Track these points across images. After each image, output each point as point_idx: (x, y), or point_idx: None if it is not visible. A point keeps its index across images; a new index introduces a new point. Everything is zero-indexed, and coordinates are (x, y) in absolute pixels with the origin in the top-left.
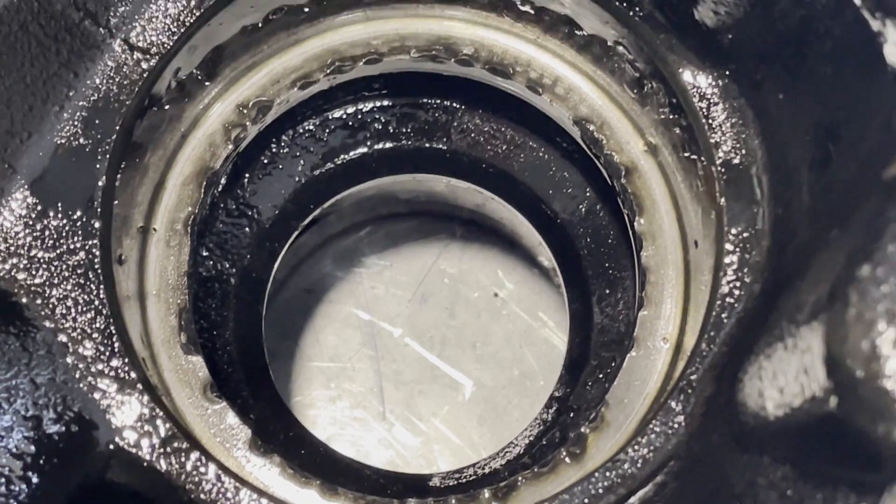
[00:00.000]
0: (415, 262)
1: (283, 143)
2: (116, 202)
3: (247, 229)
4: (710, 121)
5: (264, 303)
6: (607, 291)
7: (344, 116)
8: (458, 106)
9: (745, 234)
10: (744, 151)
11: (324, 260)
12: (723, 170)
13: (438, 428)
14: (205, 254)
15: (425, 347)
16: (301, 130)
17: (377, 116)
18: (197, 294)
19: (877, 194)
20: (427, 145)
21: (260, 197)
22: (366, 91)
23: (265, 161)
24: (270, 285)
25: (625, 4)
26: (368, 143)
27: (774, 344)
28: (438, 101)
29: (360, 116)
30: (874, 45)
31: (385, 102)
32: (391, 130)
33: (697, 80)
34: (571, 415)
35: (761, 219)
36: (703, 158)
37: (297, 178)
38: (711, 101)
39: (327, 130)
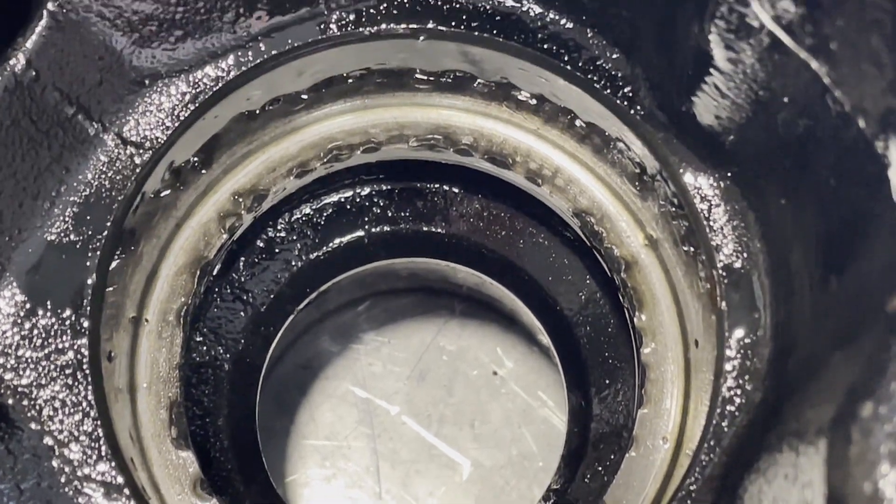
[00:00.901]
0: (413, 338)
1: (279, 227)
2: (110, 290)
3: (241, 314)
4: (711, 223)
5: (258, 390)
6: (607, 381)
7: (341, 200)
8: (457, 191)
9: (747, 340)
10: (745, 255)
11: (321, 335)
12: (724, 273)
13: None
14: (198, 339)
15: (423, 426)
16: (298, 214)
17: (375, 201)
18: (189, 380)
19: (880, 325)
20: (425, 229)
21: (255, 281)
22: (364, 175)
23: (261, 245)
24: (265, 370)
25: (625, 103)
26: (366, 228)
27: (775, 468)
28: (437, 186)
29: (357, 200)
30: (879, 165)
31: (383, 187)
32: (389, 215)
33: (699, 181)
34: None
35: (763, 325)
36: (703, 259)
37: (293, 263)
38: (712, 202)
39: (324, 214)
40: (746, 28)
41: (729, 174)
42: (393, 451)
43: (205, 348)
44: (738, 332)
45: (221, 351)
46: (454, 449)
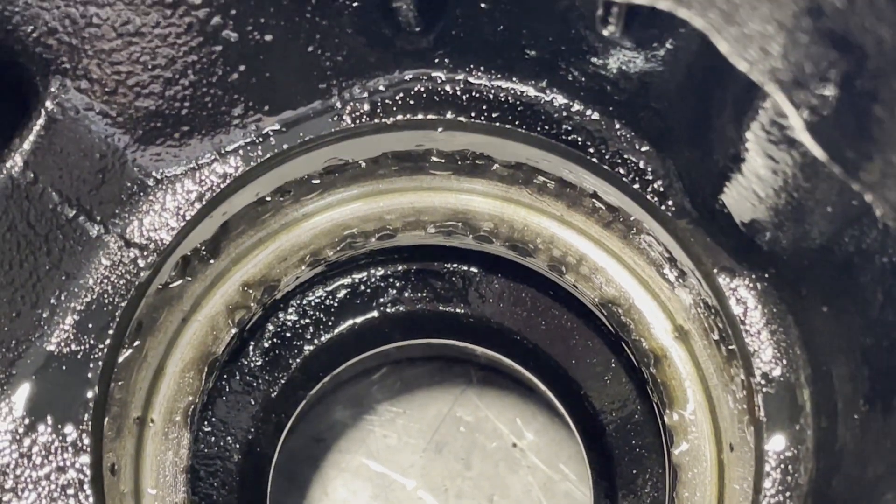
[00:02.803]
0: (429, 408)
1: (290, 311)
2: (118, 384)
3: (251, 402)
4: (748, 327)
5: (269, 478)
6: (634, 472)
7: (355, 282)
8: (475, 272)
9: (788, 454)
10: (785, 362)
11: (334, 406)
12: (762, 381)
13: None
14: (206, 429)
15: (439, 501)
16: (310, 296)
17: (391, 282)
18: (198, 473)
19: None
20: (442, 309)
21: (265, 368)
22: (379, 256)
23: (271, 329)
24: (276, 460)
25: (655, 198)
26: (381, 309)
27: None
28: (455, 267)
29: (372, 281)
30: None
31: (399, 268)
32: (405, 296)
33: (734, 283)
34: None
35: (806, 438)
36: (740, 364)
37: (305, 347)
38: (748, 305)
39: (337, 297)
40: (788, 140)
41: (766, 275)
42: None
43: (213, 439)
44: (778, 444)
45: (231, 441)
46: None
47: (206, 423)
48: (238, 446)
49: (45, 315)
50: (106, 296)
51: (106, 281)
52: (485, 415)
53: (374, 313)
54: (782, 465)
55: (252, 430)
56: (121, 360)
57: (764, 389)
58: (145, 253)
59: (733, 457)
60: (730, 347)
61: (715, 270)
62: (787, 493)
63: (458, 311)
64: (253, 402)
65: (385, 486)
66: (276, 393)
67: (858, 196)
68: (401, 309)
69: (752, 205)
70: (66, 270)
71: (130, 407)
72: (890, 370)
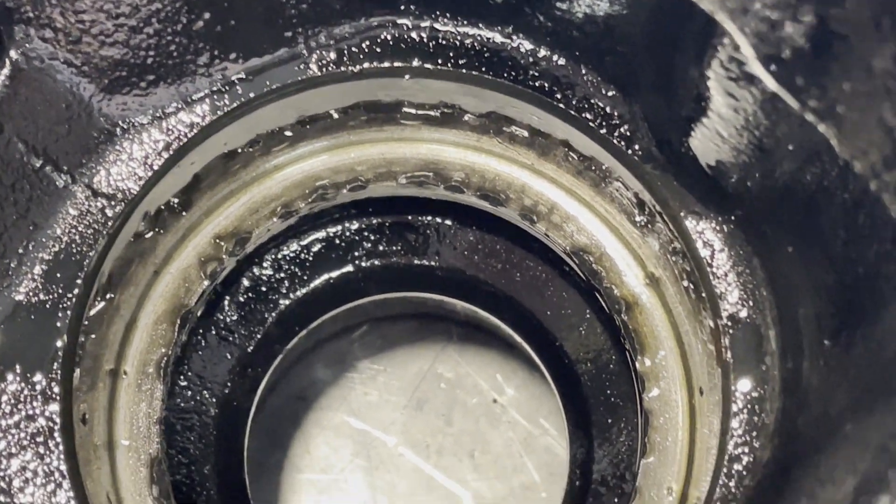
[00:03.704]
0: (410, 366)
1: (264, 266)
2: (86, 340)
3: (227, 356)
4: (715, 269)
5: (246, 433)
6: (609, 421)
7: (329, 236)
8: (449, 224)
9: (754, 395)
10: (751, 303)
11: (315, 364)
12: (729, 323)
13: None
14: (182, 384)
15: (421, 457)
16: (284, 250)
17: (365, 235)
18: (174, 427)
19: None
20: (417, 264)
21: (241, 322)
22: (353, 209)
23: (246, 284)
24: (253, 414)
25: (622, 142)
26: (356, 263)
27: None
28: (429, 220)
29: (346, 235)
30: (892, 228)
31: (372, 221)
32: (379, 249)
33: (700, 225)
34: None
35: (771, 379)
36: (707, 307)
37: (280, 301)
38: (715, 247)
39: (311, 251)
40: (747, 77)
41: (732, 218)
42: (390, 484)
43: (189, 393)
44: (745, 385)
45: (207, 395)
46: (454, 480)
47: (181, 377)
48: (214, 400)
49: (12, 265)
50: (74, 245)
51: (74, 231)
52: (465, 371)
53: (349, 267)
54: (749, 406)
55: (228, 384)
56: (92, 312)
57: (731, 331)
58: (113, 203)
59: (704, 401)
60: (699, 293)
61: (682, 214)
62: (754, 433)
63: (432, 263)
64: (229, 357)
65: (366, 442)
66: (251, 347)
67: (817, 132)
68: (375, 262)
69: (717, 146)
70: (34, 220)
71: (103, 359)
72: (853, 306)
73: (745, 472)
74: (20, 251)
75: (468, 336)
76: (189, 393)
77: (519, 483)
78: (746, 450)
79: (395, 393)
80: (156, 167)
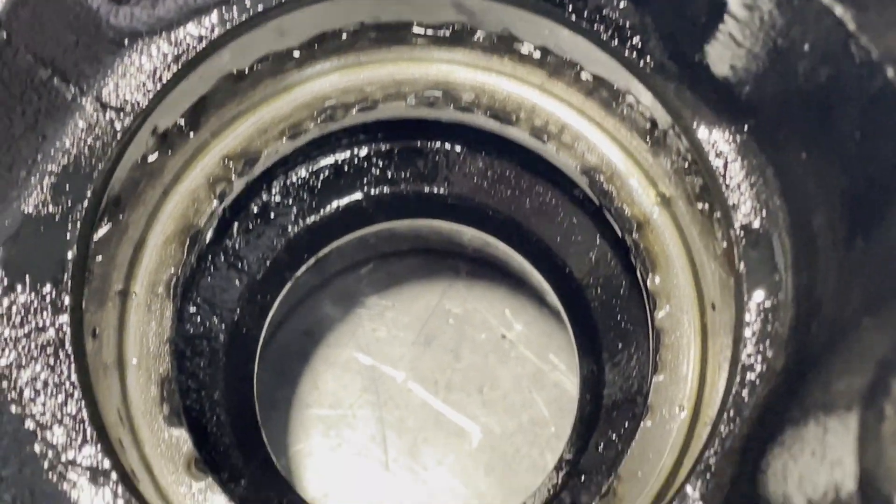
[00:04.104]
0: (418, 302)
1: (273, 192)
2: (96, 261)
3: (236, 282)
4: (728, 180)
5: (256, 360)
6: (620, 346)
7: (338, 162)
8: (459, 149)
9: (767, 304)
10: (764, 213)
11: (323, 301)
12: (742, 233)
13: (444, 478)
14: (192, 310)
15: (430, 392)
16: (293, 177)
17: (374, 161)
18: (183, 353)
19: None
20: (427, 190)
21: (250, 248)
22: (361, 134)
23: (255, 210)
24: (262, 340)
25: (634, 54)
26: (364, 189)
27: (801, 444)
28: (438, 145)
29: (355, 162)
30: None
31: (381, 146)
32: (389, 176)
33: (713, 136)
34: (582, 479)
35: (784, 288)
36: (720, 218)
37: (289, 228)
38: (729, 158)
39: (321, 177)
40: None
41: (745, 127)
42: (399, 419)
43: (199, 319)
44: (758, 296)
45: (216, 321)
46: (463, 416)
47: (191, 303)
48: (224, 326)
49: (21, 176)
50: (83, 158)
51: (82, 143)
52: (473, 307)
53: (358, 194)
54: (762, 316)
55: (238, 310)
56: (101, 232)
57: (744, 242)
58: (122, 115)
59: (716, 318)
60: (712, 207)
61: (694, 125)
62: (767, 342)
63: (441, 190)
64: (238, 283)
65: (375, 378)
66: (260, 274)
67: (835, 23)
68: (384, 189)
69: (731, 52)
70: (43, 132)
71: (112, 279)
72: (867, 209)
73: (757, 381)
74: (29, 163)
75: (476, 272)
76: (199, 319)
77: (528, 418)
78: (759, 359)
79: (404, 329)
80: (164, 80)
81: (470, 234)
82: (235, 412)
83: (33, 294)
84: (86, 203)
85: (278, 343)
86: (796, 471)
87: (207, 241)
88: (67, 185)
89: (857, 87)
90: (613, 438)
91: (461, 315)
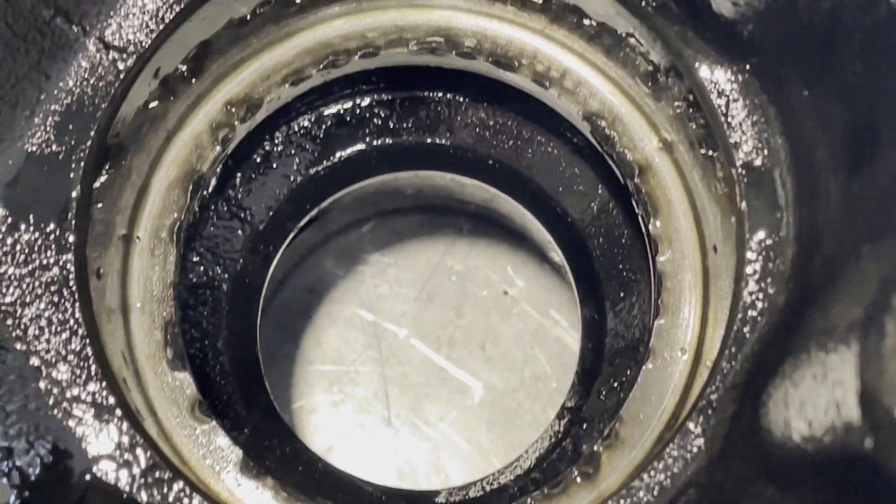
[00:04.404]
0: (420, 259)
1: (276, 141)
2: (98, 206)
3: (239, 232)
4: (730, 119)
5: (259, 309)
6: (621, 294)
7: (341, 112)
8: (461, 99)
9: (769, 242)
10: (766, 152)
11: (325, 258)
12: (743, 172)
13: (446, 433)
14: (195, 259)
15: (432, 349)
16: (295, 127)
17: (376, 111)
18: (187, 302)
19: None
20: (429, 141)
21: (253, 198)
22: (363, 84)
23: (258, 160)
24: (265, 290)
25: None
26: (367, 140)
27: (802, 370)
28: (441, 95)
29: (357, 112)
30: None
31: (384, 96)
32: (391, 126)
33: (715, 75)
34: (584, 426)
35: (785, 225)
36: (721, 158)
37: (291, 178)
38: (731, 97)
39: (323, 127)
40: None
41: (747, 66)
42: (402, 375)
43: (202, 268)
44: (760, 234)
45: (219, 271)
46: (465, 372)
47: (193, 252)
48: (227, 276)
49: (25, 115)
50: (86, 98)
51: (86, 83)
52: (475, 264)
53: (360, 144)
54: (764, 253)
55: (240, 260)
56: (105, 177)
57: (745, 180)
58: (124, 56)
59: (717, 259)
60: (714, 146)
61: (696, 64)
62: (769, 280)
63: (443, 140)
64: (241, 233)
65: (377, 334)
66: (263, 224)
67: None
68: (386, 140)
69: None
70: (46, 72)
71: (116, 224)
72: (868, 142)
73: (759, 318)
74: (33, 102)
75: (478, 229)
76: (202, 268)
77: (530, 374)
78: (761, 296)
79: (406, 285)
80: (167, 20)
81: (471, 188)
82: (239, 362)
83: (37, 233)
84: (89, 143)
85: (281, 300)
86: (797, 397)
87: (211, 187)
88: (71, 125)
89: (858, 18)
90: (615, 386)
91: (463, 272)
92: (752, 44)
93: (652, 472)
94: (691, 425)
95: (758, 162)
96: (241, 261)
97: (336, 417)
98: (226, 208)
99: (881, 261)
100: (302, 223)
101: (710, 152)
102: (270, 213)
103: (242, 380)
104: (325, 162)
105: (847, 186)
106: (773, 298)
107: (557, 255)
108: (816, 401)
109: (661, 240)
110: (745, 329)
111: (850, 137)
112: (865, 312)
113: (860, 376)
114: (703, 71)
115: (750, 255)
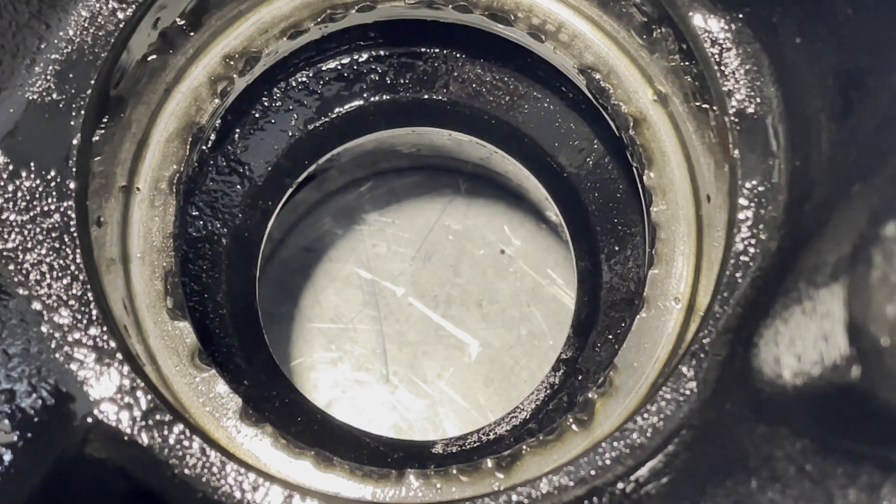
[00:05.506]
0: (418, 218)
1: (275, 96)
2: (98, 159)
3: (238, 187)
4: (723, 67)
5: (258, 264)
6: (616, 248)
7: (338, 67)
8: (458, 55)
9: (761, 188)
10: (758, 100)
11: (323, 217)
12: (736, 120)
13: (444, 390)
14: (194, 213)
15: (429, 307)
16: (293, 83)
17: (373, 67)
18: (186, 256)
19: None
20: (426, 97)
21: (251, 153)
22: (361, 40)
23: (256, 115)
24: (264, 245)
25: None
26: (365, 96)
27: (792, 307)
28: (437, 50)
29: (355, 67)
30: None
31: (381, 52)
32: (388, 82)
33: (709, 24)
34: (579, 378)
35: (777, 172)
36: (715, 108)
37: (290, 133)
38: (724, 46)
39: (321, 82)
40: None
41: (740, 15)
42: (400, 333)
43: (201, 223)
44: (752, 181)
45: (219, 225)
46: (462, 329)
47: (193, 206)
48: (226, 230)
49: (26, 63)
50: (86, 47)
51: (86, 32)
52: (473, 223)
53: (358, 100)
54: (756, 200)
55: (239, 215)
56: (104, 130)
57: (738, 128)
58: (124, 5)
59: (711, 209)
60: (705, 100)
61: (690, 13)
62: (761, 226)
63: (439, 96)
64: (239, 188)
65: (375, 293)
66: (262, 179)
67: None
68: (384, 96)
69: None
70: (47, 21)
71: (116, 175)
72: (859, 84)
73: (751, 263)
74: (34, 51)
75: (475, 189)
76: (201, 223)
77: (527, 331)
78: (753, 242)
79: (404, 245)
80: None
81: (468, 145)
82: (238, 316)
83: (38, 180)
84: (90, 91)
85: (280, 259)
86: (787, 333)
87: (210, 141)
88: (71, 74)
89: None
90: (610, 338)
91: (460, 231)
92: None
93: (645, 415)
94: (684, 369)
95: (750, 110)
96: (240, 216)
97: (335, 374)
98: (224, 163)
99: (870, 197)
100: (300, 179)
101: (704, 104)
102: (269, 169)
103: (242, 333)
104: (322, 118)
105: (837, 131)
106: (765, 244)
107: (554, 214)
108: (805, 335)
109: (655, 191)
110: (738, 274)
111: (842, 82)
112: (854, 246)
113: (848, 307)
114: (697, 19)
115: (742, 202)
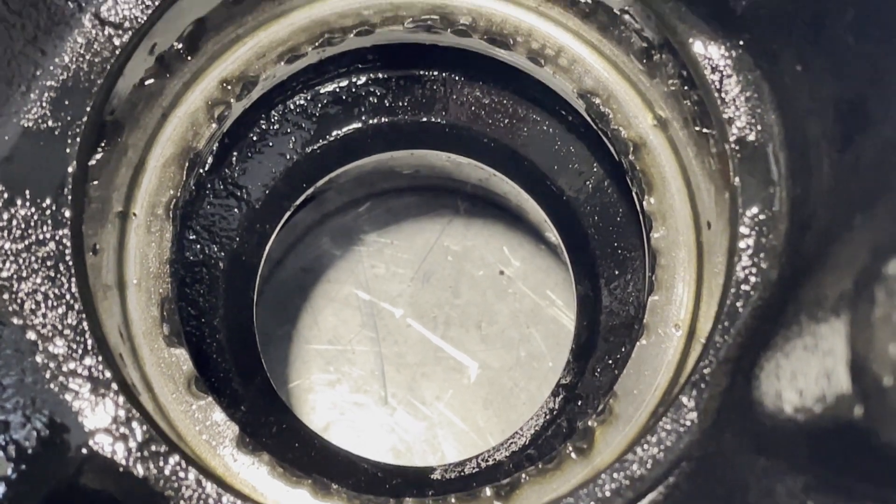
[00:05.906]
0: (417, 239)
1: (272, 120)
2: (94, 184)
3: (235, 211)
4: (723, 95)
5: (255, 288)
6: (616, 272)
7: (336, 90)
8: (457, 78)
9: (762, 217)
10: (759, 128)
11: (322, 238)
12: (737, 147)
13: (442, 412)
14: (191, 237)
15: (428, 328)
16: (291, 106)
17: (371, 90)
18: (183, 280)
19: None
20: (425, 119)
21: (249, 176)
22: (359, 63)
23: (254, 138)
24: (262, 269)
25: None
26: (363, 119)
27: (793, 341)
28: (436, 73)
29: (353, 90)
30: None
31: (380, 75)
32: (387, 104)
33: (709, 51)
34: (579, 403)
35: (778, 200)
36: (715, 134)
37: (287, 156)
38: (724, 73)
39: (319, 105)
40: None
41: (741, 42)
42: (398, 355)
43: (198, 246)
44: (753, 209)
45: (216, 249)
46: (461, 351)
47: (190, 230)
48: (223, 254)
49: (21, 91)
50: (82, 74)
51: (82, 59)
52: (472, 244)
53: (357, 123)
54: (757, 229)
55: (237, 238)
56: (101, 154)
57: (739, 156)
58: (120, 32)
59: (711, 235)
60: (707, 122)
61: (690, 40)
62: (762, 255)
63: (439, 119)
64: (237, 211)
65: (374, 314)
66: (259, 202)
67: None
68: (382, 119)
69: None
70: (42, 48)
71: (112, 201)
72: (860, 114)
73: (752, 292)
74: (29, 78)
75: (475, 209)
76: (198, 247)
77: (526, 353)
78: (754, 271)
79: (403, 265)
80: None
81: (467, 167)
82: (235, 340)
83: (33, 208)
84: (85, 118)
85: (278, 280)
86: (789, 367)
87: (207, 165)
88: (67, 101)
89: None
90: (610, 363)
91: (459, 252)
92: (746, 19)
93: (645, 446)
94: (684, 399)
95: (751, 137)
96: (238, 239)
97: (333, 397)
98: (222, 186)
99: (872, 231)
100: (298, 202)
101: (704, 129)
102: (266, 192)
103: (239, 358)
104: (320, 140)
105: (839, 160)
106: (766, 273)
107: (553, 235)
108: (807, 371)
109: (655, 216)
110: (738, 304)
111: (843, 111)
112: (856, 282)
113: (850, 345)
114: (697, 47)
115: (743, 230)
